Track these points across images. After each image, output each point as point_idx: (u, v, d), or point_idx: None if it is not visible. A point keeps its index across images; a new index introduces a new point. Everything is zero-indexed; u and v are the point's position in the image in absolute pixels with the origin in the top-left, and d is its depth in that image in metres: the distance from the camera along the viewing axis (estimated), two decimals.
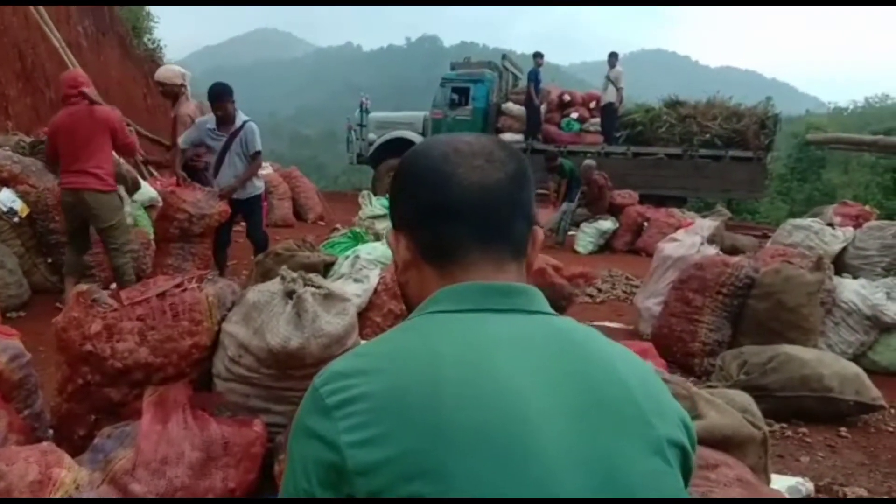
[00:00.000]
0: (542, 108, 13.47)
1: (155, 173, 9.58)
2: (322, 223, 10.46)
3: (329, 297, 2.03)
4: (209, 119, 5.29)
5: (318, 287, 2.04)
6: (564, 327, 0.85)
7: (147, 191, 7.28)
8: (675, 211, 10.28)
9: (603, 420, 0.75)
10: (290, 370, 1.93)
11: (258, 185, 5.60)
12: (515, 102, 13.73)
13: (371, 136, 14.69)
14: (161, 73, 6.06)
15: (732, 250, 9.27)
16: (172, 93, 5.91)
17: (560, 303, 4.41)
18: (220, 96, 5.15)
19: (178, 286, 2.11)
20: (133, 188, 6.86)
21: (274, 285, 2.07)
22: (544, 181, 11.75)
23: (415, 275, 0.91)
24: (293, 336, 1.89)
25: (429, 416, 0.71)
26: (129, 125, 5.29)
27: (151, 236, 6.76)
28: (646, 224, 10.05)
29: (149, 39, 14.36)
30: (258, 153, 5.40)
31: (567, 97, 13.93)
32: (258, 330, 1.96)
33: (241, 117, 5.30)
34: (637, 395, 0.78)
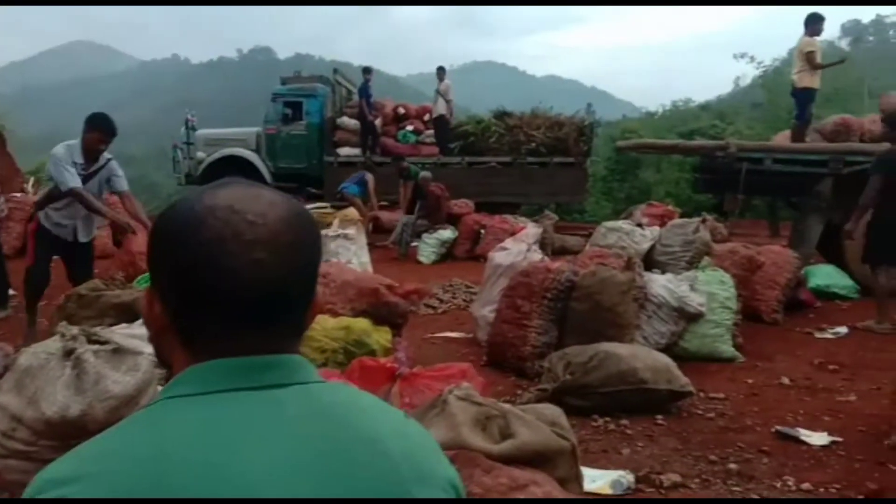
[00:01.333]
0: (378, 121, 13.54)
1: None
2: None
3: (118, 353, 1.84)
4: (75, 149, 4.65)
5: (104, 342, 1.85)
6: (326, 399, 0.79)
7: None
8: (509, 217, 10.74)
9: (356, 498, 0.71)
10: (72, 440, 1.71)
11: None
12: (350, 117, 13.67)
13: (199, 154, 13.98)
14: None
15: (562, 251, 9.88)
16: None
17: (396, 321, 4.41)
18: (113, 131, 4.67)
19: None
20: None
21: (51, 345, 1.85)
22: (393, 192, 11.91)
23: (167, 343, 0.81)
24: (73, 402, 1.69)
25: None
26: None
27: None
28: (483, 231, 10.41)
29: None
30: (126, 192, 4.93)
31: (402, 110, 14.14)
32: (32, 398, 1.73)
33: (104, 154, 4.80)
34: (398, 465, 0.75)
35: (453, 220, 10.85)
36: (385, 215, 12.03)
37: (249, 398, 0.74)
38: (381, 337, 3.92)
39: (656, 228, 6.18)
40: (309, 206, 9.30)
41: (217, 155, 13.75)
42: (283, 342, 0.79)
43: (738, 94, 40.29)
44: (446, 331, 6.02)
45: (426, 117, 13.78)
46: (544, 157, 13.02)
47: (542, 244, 8.21)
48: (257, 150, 13.88)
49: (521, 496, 1.62)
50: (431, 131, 13.65)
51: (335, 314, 3.90)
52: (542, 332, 4.68)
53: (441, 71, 13.19)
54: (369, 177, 11.47)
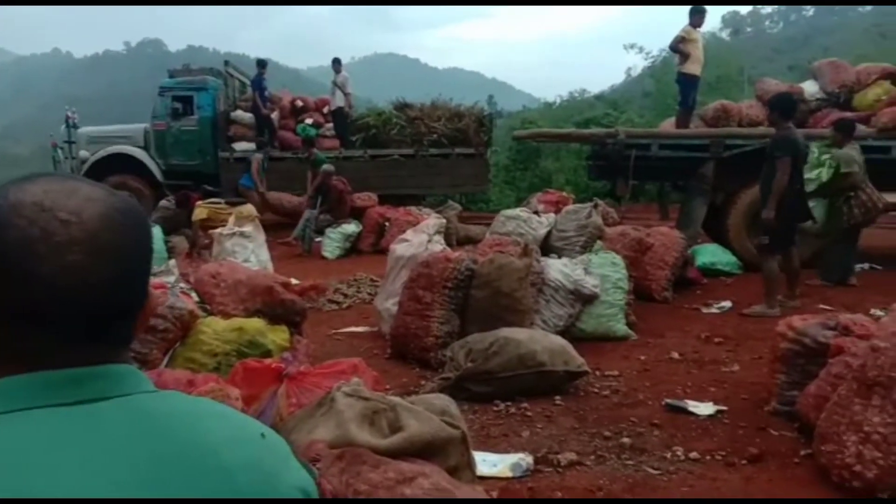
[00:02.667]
0: (275, 115, 13.16)
1: None
2: None
3: None
4: None
5: None
6: (153, 410, 0.71)
7: None
8: (413, 209, 10.73)
9: None
10: None
11: None
12: (245, 110, 13.22)
13: (83, 153, 13.14)
14: None
15: (467, 241, 9.98)
16: None
17: (294, 319, 4.29)
18: None
19: None
20: None
21: None
22: (295, 186, 11.65)
23: None
24: None
25: None
26: None
27: None
28: (387, 224, 10.35)
29: None
30: None
31: (300, 103, 13.80)
32: None
33: None
34: (235, 476, 0.69)
35: (357, 213, 10.73)
36: (273, 195, 11.82)
37: (61, 415, 0.66)
38: (277, 336, 3.79)
39: (552, 215, 6.33)
40: (202, 203, 8.95)
41: (102, 153, 12.97)
42: (106, 352, 0.71)
43: (629, 84, 42.01)
44: (351, 326, 5.95)
45: (325, 110, 13.52)
46: (446, 149, 13.09)
47: (447, 234, 8.27)
48: (146, 148, 13.18)
49: (409, 490, 1.60)
50: (332, 124, 13.43)
51: (227, 315, 3.75)
52: (444, 322, 4.70)
53: (336, 63, 12.98)
54: (253, 157, 11.22)
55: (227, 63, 14.44)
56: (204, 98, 13.06)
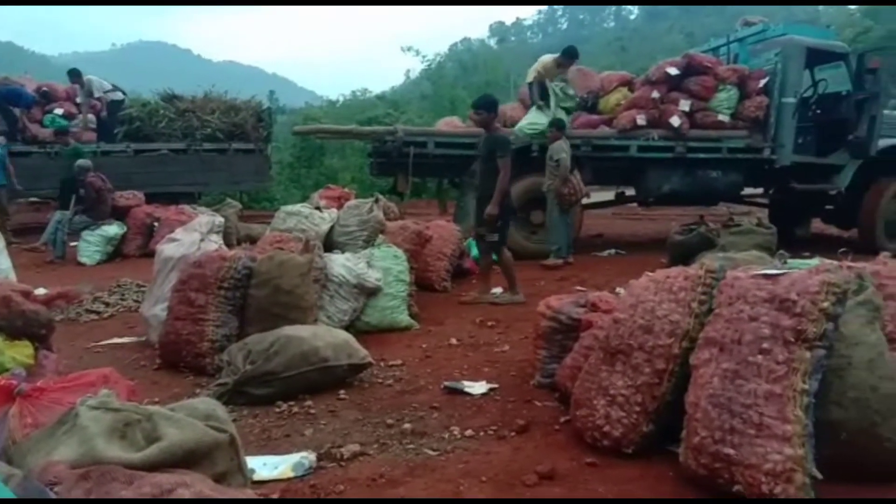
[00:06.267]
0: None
1: None
2: None
3: None
4: None
5: None
6: None
7: None
8: (187, 207, 10.03)
9: None
10: None
11: None
12: None
13: None
14: None
15: (248, 239, 9.57)
16: None
17: (38, 332, 3.75)
18: None
19: None
20: None
21: None
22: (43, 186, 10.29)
23: None
24: None
25: None
26: None
27: None
28: (156, 224, 9.57)
29: None
30: None
31: (46, 89, 12.23)
32: None
33: None
34: None
35: (120, 213, 9.77)
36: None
37: None
38: (18, 353, 3.31)
39: (334, 210, 6.30)
40: None
41: None
42: None
43: (408, 86, 43.30)
44: (114, 337, 5.41)
45: (78, 99, 12.12)
46: (222, 144, 12.44)
47: (226, 234, 7.86)
48: None
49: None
50: (91, 115, 12.08)
51: None
52: (220, 325, 4.44)
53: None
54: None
55: None
56: None
